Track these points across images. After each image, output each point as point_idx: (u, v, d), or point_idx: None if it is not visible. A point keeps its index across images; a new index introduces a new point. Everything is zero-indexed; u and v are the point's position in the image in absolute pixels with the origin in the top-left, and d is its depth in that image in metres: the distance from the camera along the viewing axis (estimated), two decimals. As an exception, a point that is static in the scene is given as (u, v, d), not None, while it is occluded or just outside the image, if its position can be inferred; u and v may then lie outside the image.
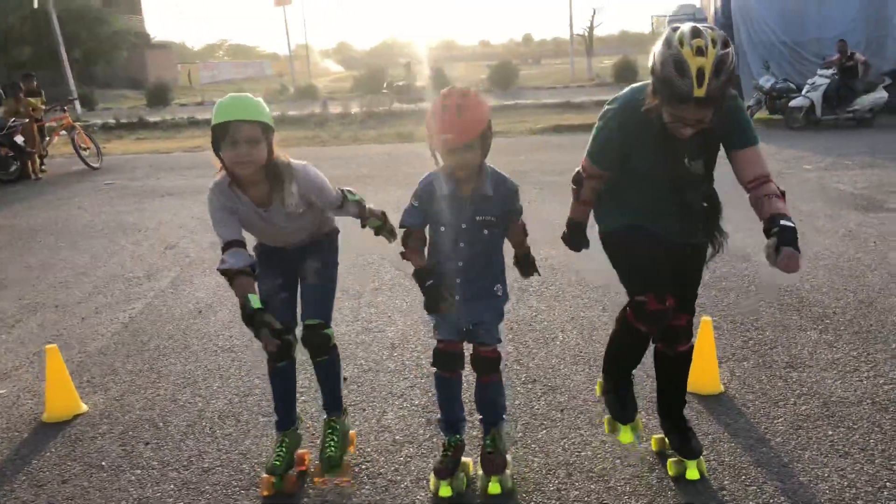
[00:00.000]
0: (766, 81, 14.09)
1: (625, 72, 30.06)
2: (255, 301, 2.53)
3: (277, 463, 2.83)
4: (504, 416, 2.92)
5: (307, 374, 3.34)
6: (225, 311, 5.00)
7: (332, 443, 2.89)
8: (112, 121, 21.33)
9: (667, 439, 2.90)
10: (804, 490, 2.66)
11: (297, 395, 3.07)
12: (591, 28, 40.90)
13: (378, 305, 4.96)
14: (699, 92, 2.18)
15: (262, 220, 2.76)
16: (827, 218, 6.63)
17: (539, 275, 2.93)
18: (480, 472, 2.82)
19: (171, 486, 2.92)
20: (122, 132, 19.83)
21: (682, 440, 2.81)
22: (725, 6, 16.17)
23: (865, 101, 12.74)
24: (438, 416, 2.94)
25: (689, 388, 3.08)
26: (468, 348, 2.82)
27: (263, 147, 2.57)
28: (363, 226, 3.17)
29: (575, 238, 2.94)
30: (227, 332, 4.62)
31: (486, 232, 2.66)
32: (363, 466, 3.01)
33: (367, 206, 3.08)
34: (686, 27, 2.28)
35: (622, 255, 2.73)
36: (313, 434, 3.24)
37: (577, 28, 46.12)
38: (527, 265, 2.85)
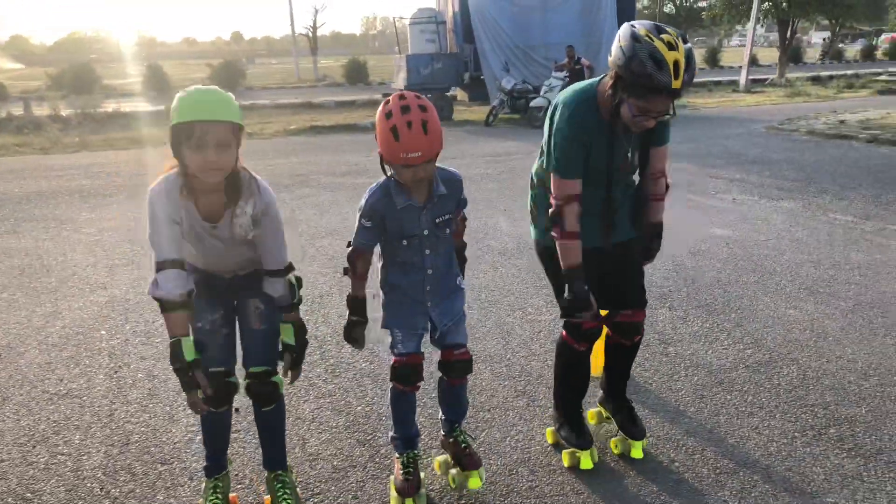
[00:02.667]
0: (508, 83, 15.31)
1: (355, 72, 30.69)
2: (188, 351, 2.15)
3: None
4: (467, 411, 2.88)
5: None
6: (33, 352, 4.18)
7: (286, 494, 2.57)
8: None
9: (609, 415, 3.05)
10: (738, 450, 2.95)
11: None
12: (315, 28, 40.99)
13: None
14: (676, 84, 2.30)
15: (208, 236, 2.32)
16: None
17: (465, 259, 2.80)
18: (452, 471, 2.75)
19: (94, 565, 2.38)
20: None
21: (629, 422, 2.95)
22: (464, 10, 17.18)
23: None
24: (391, 433, 2.75)
25: (593, 374, 3.25)
26: (433, 355, 2.68)
27: (234, 151, 2.17)
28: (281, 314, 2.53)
29: (582, 292, 2.62)
30: (52, 374, 3.86)
31: (447, 231, 2.56)
32: (318, 498, 2.72)
33: (297, 303, 2.53)
34: (646, 24, 2.39)
35: (560, 275, 2.71)
36: (237, 475, 2.85)
37: (299, 27, 45.86)
38: (461, 261, 2.76)
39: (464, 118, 16.66)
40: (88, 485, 2.84)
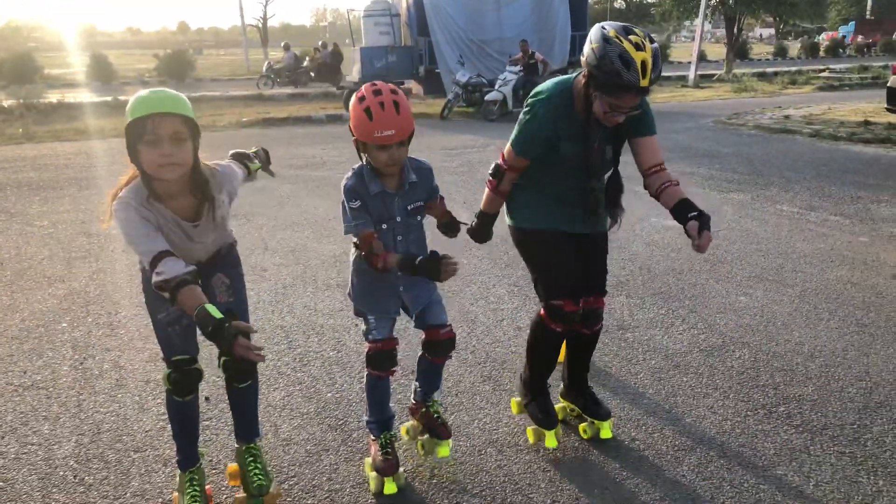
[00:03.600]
0: (463, 76, 15.41)
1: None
2: (214, 311, 2.11)
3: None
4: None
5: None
6: (-4, 342, 4.13)
7: (257, 470, 2.61)
8: None
9: (574, 406, 3.15)
10: (695, 429, 3.11)
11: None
12: (265, 18, 40.52)
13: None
14: (644, 83, 2.43)
15: (189, 237, 2.33)
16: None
17: (463, 226, 2.88)
18: (422, 438, 2.88)
19: (73, 551, 2.40)
20: None
21: (594, 405, 3.08)
22: (418, 3, 17.20)
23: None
24: (366, 417, 2.83)
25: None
26: (416, 336, 2.76)
27: (189, 147, 2.17)
28: (249, 173, 2.68)
29: (484, 230, 3.09)
30: (16, 366, 3.83)
31: (418, 218, 2.66)
32: (292, 482, 2.78)
33: (259, 155, 2.83)
34: (615, 25, 2.52)
35: (540, 258, 2.90)
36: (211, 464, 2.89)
37: (247, 18, 45.26)
38: (453, 226, 2.81)
39: (419, 111, 16.66)
40: (61, 473, 2.85)
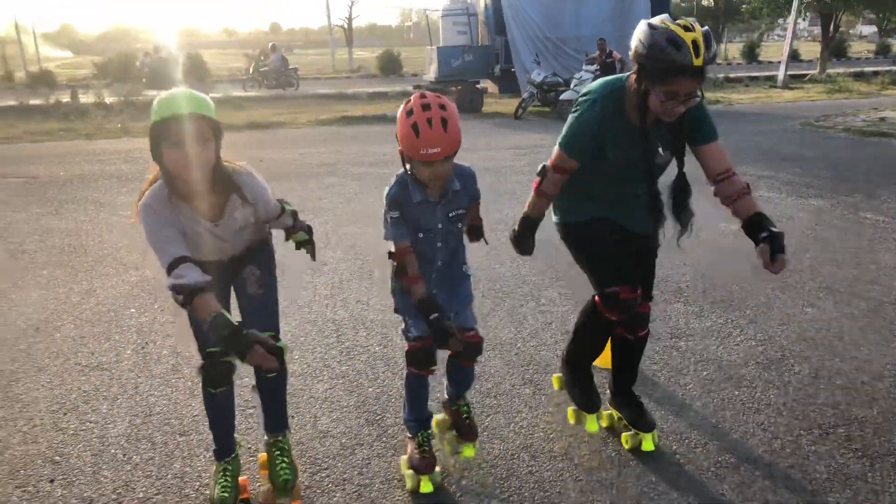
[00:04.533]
0: (538, 75, 15.26)
1: (389, 63, 30.89)
2: (230, 319, 2.18)
3: (226, 494, 2.56)
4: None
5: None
6: (68, 326, 4.37)
7: (284, 464, 2.66)
8: None
9: (620, 415, 3.07)
10: (741, 445, 2.99)
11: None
12: (350, 19, 41.22)
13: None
14: (697, 62, 2.34)
15: (212, 236, 2.40)
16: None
17: (486, 243, 2.88)
18: (448, 435, 2.90)
19: (111, 527, 2.52)
20: None
21: (638, 414, 2.99)
22: (495, 1, 17.12)
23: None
24: (404, 415, 2.85)
25: (599, 365, 3.31)
26: None
27: (212, 147, 2.23)
28: (287, 238, 2.77)
29: (526, 238, 2.97)
30: (85, 348, 4.04)
31: (459, 225, 2.65)
32: (323, 474, 2.83)
33: (298, 218, 2.74)
34: (660, 16, 2.46)
35: (591, 247, 2.84)
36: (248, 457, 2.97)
37: (334, 19, 46.19)
38: (478, 232, 2.81)
39: (493, 110, 16.68)
40: (112, 451, 2.99)
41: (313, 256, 2.82)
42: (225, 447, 2.67)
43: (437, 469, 2.74)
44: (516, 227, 3.01)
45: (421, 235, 2.56)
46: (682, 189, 2.74)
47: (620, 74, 2.66)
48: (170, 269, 2.17)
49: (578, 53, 16.20)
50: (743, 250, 5.54)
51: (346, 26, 40.74)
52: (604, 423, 3.12)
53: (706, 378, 3.56)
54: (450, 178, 2.52)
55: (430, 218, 2.54)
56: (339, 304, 4.61)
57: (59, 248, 5.95)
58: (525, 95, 15.46)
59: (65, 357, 3.91)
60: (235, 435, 2.76)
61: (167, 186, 2.27)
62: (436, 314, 2.45)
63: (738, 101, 18.45)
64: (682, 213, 2.77)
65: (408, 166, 2.48)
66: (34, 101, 18.52)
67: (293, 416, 3.25)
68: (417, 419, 2.80)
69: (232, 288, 2.63)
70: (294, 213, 2.69)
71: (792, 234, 6.04)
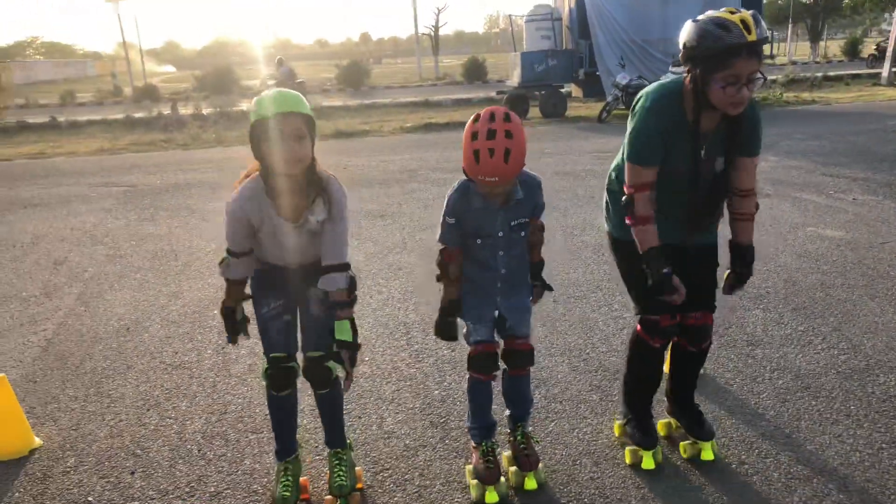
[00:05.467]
0: (623, 78, 14.99)
1: (474, 71, 31.06)
2: (239, 312, 2.71)
3: (287, 494, 2.64)
4: (531, 409, 2.90)
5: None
6: (156, 327, 4.62)
7: (341, 472, 2.71)
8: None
9: (678, 424, 3.00)
10: (815, 458, 2.86)
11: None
12: (437, 27, 41.69)
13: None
14: (751, 37, 2.27)
15: (288, 235, 2.48)
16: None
17: (551, 290, 2.84)
18: (512, 468, 2.79)
19: (183, 517, 2.66)
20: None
21: (696, 423, 2.91)
22: (580, 5, 16.90)
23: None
24: (468, 423, 2.86)
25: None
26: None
27: (308, 144, 2.34)
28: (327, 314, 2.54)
29: (661, 273, 2.58)
30: (169, 347, 4.27)
31: (522, 234, 2.63)
32: (385, 475, 2.89)
33: (353, 305, 2.53)
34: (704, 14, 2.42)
35: (636, 270, 2.72)
36: (313, 458, 3.06)
37: (421, 27, 46.81)
38: (541, 285, 2.78)
39: (577, 114, 16.52)
40: (188, 446, 3.15)
41: (348, 378, 2.55)
42: (286, 448, 2.76)
43: (503, 480, 2.72)
44: (650, 278, 2.64)
45: (479, 242, 2.58)
46: (720, 188, 2.65)
47: (675, 78, 2.60)
48: (233, 255, 2.51)
49: (665, 56, 15.82)
50: (830, 256, 5.33)
51: (432, 34, 41.23)
52: (661, 432, 3.05)
53: (781, 387, 3.43)
54: (513, 187, 2.51)
55: (491, 224, 2.55)
56: (410, 308, 4.68)
57: (151, 253, 6.30)
58: (609, 99, 15.24)
59: (151, 356, 4.14)
60: (297, 437, 2.84)
61: (264, 181, 2.40)
62: (453, 318, 2.66)
63: (837, 101, 17.56)
64: (715, 211, 2.71)
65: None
66: (138, 115, 19.66)
67: (360, 417, 3.34)
68: (481, 427, 2.80)
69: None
70: (353, 285, 2.54)
71: (886, 239, 5.73)
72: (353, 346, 2.48)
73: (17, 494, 2.84)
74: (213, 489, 2.83)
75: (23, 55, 76.11)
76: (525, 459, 2.73)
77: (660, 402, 3.11)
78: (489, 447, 2.75)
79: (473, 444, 2.82)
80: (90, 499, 2.79)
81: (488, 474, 2.66)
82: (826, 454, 2.88)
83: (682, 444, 2.93)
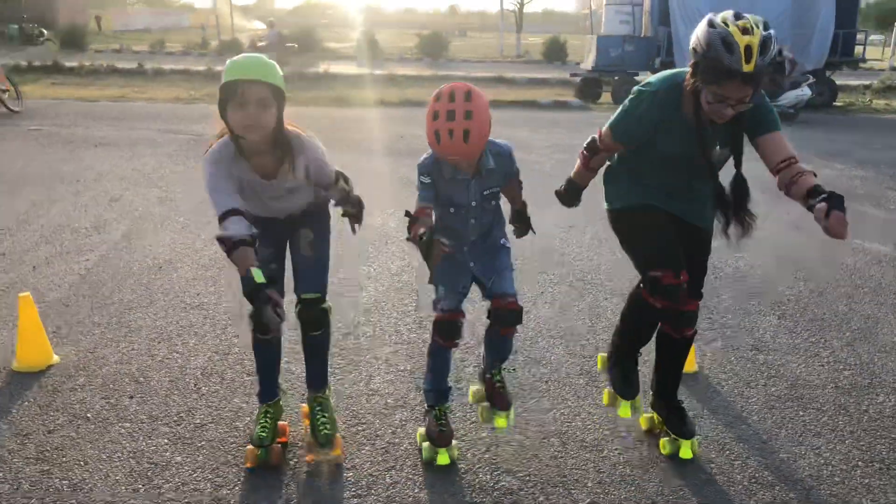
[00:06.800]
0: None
1: (554, 51, 30.56)
2: (258, 276, 2.29)
3: (264, 434, 2.73)
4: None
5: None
6: (186, 268, 4.86)
7: (324, 419, 2.81)
8: (24, 62, 20.02)
9: (660, 419, 3.00)
10: (785, 466, 2.84)
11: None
12: (522, 4, 41.13)
13: (347, 272, 4.90)
14: (748, 67, 2.25)
15: (264, 191, 2.60)
16: (770, 207, 6.93)
17: (534, 233, 2.90)
18: (483, 404, 2.92)
19: (165, 441, 2.85)
20: (36, 75, 18.72)
21: (678, 421, 2.91)
22: None
23: (790, 96, 13.32)
24: (424, 386, 2.94)
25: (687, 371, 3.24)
26: (482, 307, 2.81)
27: (273, 112, 2.40)
28: (336, 204, 2.83)
29: (571, 197, 3.09)
30: (193, 289, 4.49)
31: (493, 202, 2.70)
32: (359, 428, 3.01)
33: (352, 192, 2.77)
34: (727, 11, 2.37)
35: (635, 231, 2.80)
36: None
37: (507, 3, 46.33)
38: (523, 224, 2.83)
39: (651, 103, 16.14)
40: (187, 380, 3.35)
41: (353, 229, 2.82)
42: (267, 391, 2.87)
43: (454, 443, 2.82)
44: (563, 186, 3.08)
45: (452, 210, 2.64)
46: (739, 190, 2.63)
47: (683, 69, 2.58)
48: (220, 219, 2.38)
49: (748, 50, 15.27)
50: (867, 271, 5.16)
51: (516, 11, 40.75)
52: (643, 426, 3.06)
53: (773, 394, 3.39)
54: (484, 157, 2.57)
55: (463, 194, 2.61)
56: (425, 275, 4.76)
57: (199, 198, 6.55)
58: (686, 90, 14.85)
59: (174, 294, 4.38)
60: (280, 382, 2.97)
61: (233, 143, 2.49)
62: (424, 231, 2.39)
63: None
64: (741, 215, 2.66)
65: None
66: (219, 68, 20.22)
67: (351, 373, 3.47)
68: (437, 389, 2.88)
69: (288, 244, 2.83)
70: (345, 189, 2.72)
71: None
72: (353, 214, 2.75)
73: (26, 403, 3.09)
74: (198, 420, 3.01)
75: (123, 3, 78.98)
76: (499, 397, 2.84)
77: (645, 394, 3.13)
78: (443, 410, 2.84)
79: (427, 405, 2.90)
80: (88, 415, 3.02)
81: (440, 436, 2.76)
82: (797, 464, 2.85)
83: (662, 440, 2.93)
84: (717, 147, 2.62)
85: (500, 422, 2.85)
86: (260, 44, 23.83)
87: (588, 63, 17.01)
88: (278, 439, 2.84)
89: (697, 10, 15.79)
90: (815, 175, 2.46)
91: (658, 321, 2.87)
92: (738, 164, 2.63)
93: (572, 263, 5.17)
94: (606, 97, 16.61)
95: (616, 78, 16.29)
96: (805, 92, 13.34)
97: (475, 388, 3.07)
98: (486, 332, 2.89)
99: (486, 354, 2.97)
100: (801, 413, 3.23)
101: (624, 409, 2.90)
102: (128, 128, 10.94)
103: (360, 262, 5.08)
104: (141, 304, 4.21)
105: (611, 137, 2.76)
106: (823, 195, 2.33)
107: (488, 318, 2.81)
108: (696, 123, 2.52)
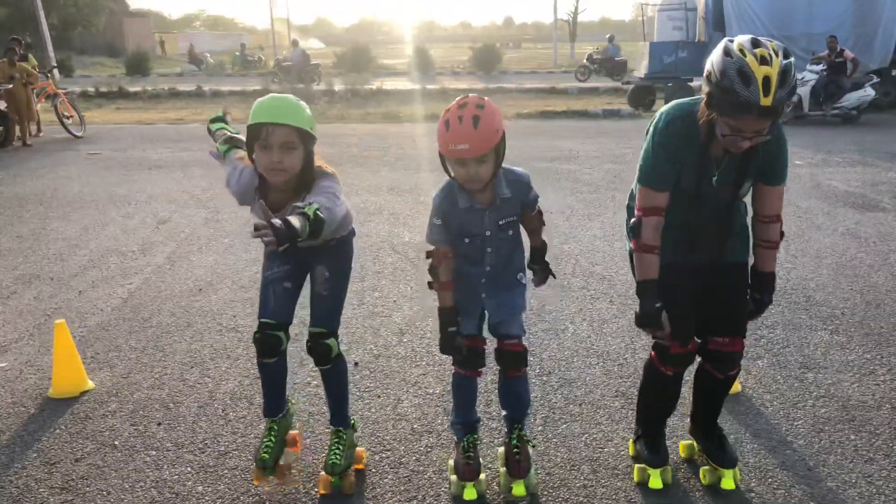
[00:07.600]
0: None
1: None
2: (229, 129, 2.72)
3: (266, 456, 2.66)
4: (528, 410, 2.87)
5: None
6: (225, 290, 4.91)
7: (337, 451, 2.73)
8: (91, 89, 20.96)
9: (700, 447, 2.84)
10: (832, 496, 2.65)
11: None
12: (576, 14, 40.86)
13: (382, 290, 4.88)
14: (766, 101, 2.09)
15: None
16: (825, 215, 6.66)
17: (555, 277, 2.82)
18: (503, 469, 2.76)
19: (188, 469, 2.85)
20: (102, 101, 19.59)
21: (719, 449, 2.75)
22: None
23: (852, 98, 12.83)
24: (451, 418, 2.86)
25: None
26: (491, 343, 2.73)
27: (298, 155, 2.38)
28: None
29: (651, 307, 2.51)
30: (230, 310, 4.53)
31: (510, 232, 2.60)
32: (384, 455, 2.96)
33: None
34: (744, 38, 2.22)
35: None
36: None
37: (561, 13, 46.05)
38: (542, 267, 2.75)
39: (706, 109, 15.75)
40: (215, 406, 3.36)
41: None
42: (272, 406, 2.82)
43: (483, 477, 2.71)
44: (641, 307, 2.59)
45: (467, 241, 2.56)
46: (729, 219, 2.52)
47: (694, 98, 2.44)
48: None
49: (806, 53, 14.76)
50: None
51: (570, 20, 40.55)
52: (682, 454, 2.91)
53: (822, 416, 3.19)
54: (499, 185, 2.47)
55: (478, 224, 2.52)
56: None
57: (244, 220, 6.65)
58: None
59: (211, 317, 4.42)
60: (288, 396, 2.92)
61: (257, 178, 2.49)
62: (454, 328, 2.54)
63: None
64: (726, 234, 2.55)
65: (450, 170, 2.48)
66: (275, 88, 20.68)
67: (379, 396, 3.42)
68: (464, 422, 2.79)
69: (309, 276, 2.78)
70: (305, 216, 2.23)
71: None
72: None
73: (57, 431, 3.14)
74: (223, 448, 3.01)
75: (190, 27, 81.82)
76: (515, 465, 2.67)
77: (683, 416, 2.98)
78: (470, 443, 2.73)
79: (455, 440, 2.81)
80: (116, 443, 3.05)
81: (467, 471, 2.66)
82: (847, 493, 2.66)
83: (703, 469, 2.78)
84: (727, 180, 2.47)
85: (518, 489, 2.66)
86: (285, 63, 24.42)
87: (641, 70, 16.72)
88: (291, 448, 2.82)
89: (754, 14, 15.44)
90: (782, 237, 2.60)
91: (676, 386, 2.75)
92: (734, 196, 2.48)
93: (614, 278, 5.01)
94: (660, 105, 16.25)
95: (669, 84, 15.94)
96: (869, 92, 12.81)
97: (501, 450, 2.86)
98: (498, 374, 2.78)
99: (502, 407, 2.84)
100: (853, 437, 3.03)
101: (654, 480, 2.71)
102: (182, 149, 11.22)
103: (398, 280, 5.04)
104: (178, 328, 4.26)
105: (649, 192, 2.47)
106: (759, 296, 2.63)
107: (494, 358, 2.72)
108: (705, 152, 2.39)
